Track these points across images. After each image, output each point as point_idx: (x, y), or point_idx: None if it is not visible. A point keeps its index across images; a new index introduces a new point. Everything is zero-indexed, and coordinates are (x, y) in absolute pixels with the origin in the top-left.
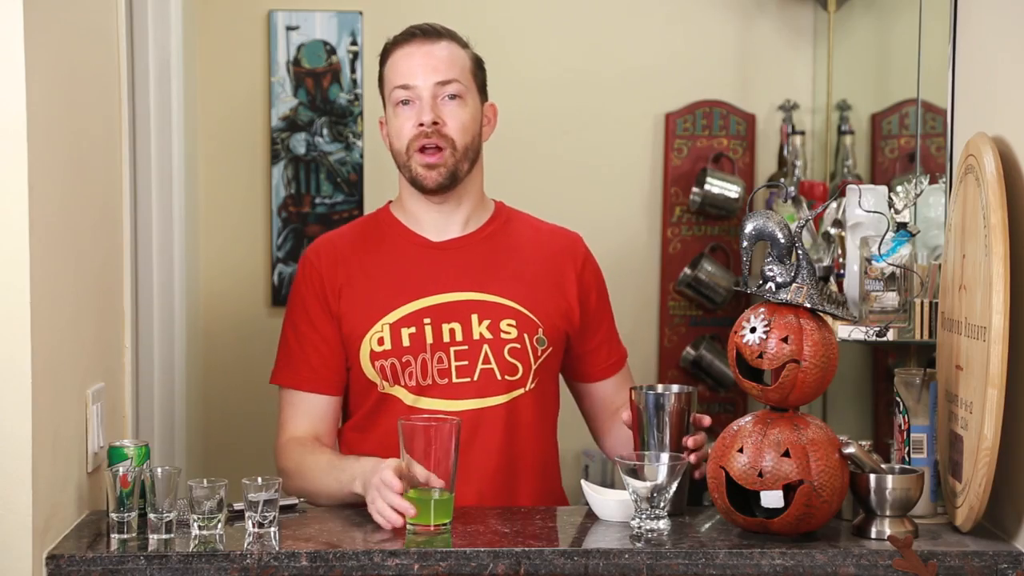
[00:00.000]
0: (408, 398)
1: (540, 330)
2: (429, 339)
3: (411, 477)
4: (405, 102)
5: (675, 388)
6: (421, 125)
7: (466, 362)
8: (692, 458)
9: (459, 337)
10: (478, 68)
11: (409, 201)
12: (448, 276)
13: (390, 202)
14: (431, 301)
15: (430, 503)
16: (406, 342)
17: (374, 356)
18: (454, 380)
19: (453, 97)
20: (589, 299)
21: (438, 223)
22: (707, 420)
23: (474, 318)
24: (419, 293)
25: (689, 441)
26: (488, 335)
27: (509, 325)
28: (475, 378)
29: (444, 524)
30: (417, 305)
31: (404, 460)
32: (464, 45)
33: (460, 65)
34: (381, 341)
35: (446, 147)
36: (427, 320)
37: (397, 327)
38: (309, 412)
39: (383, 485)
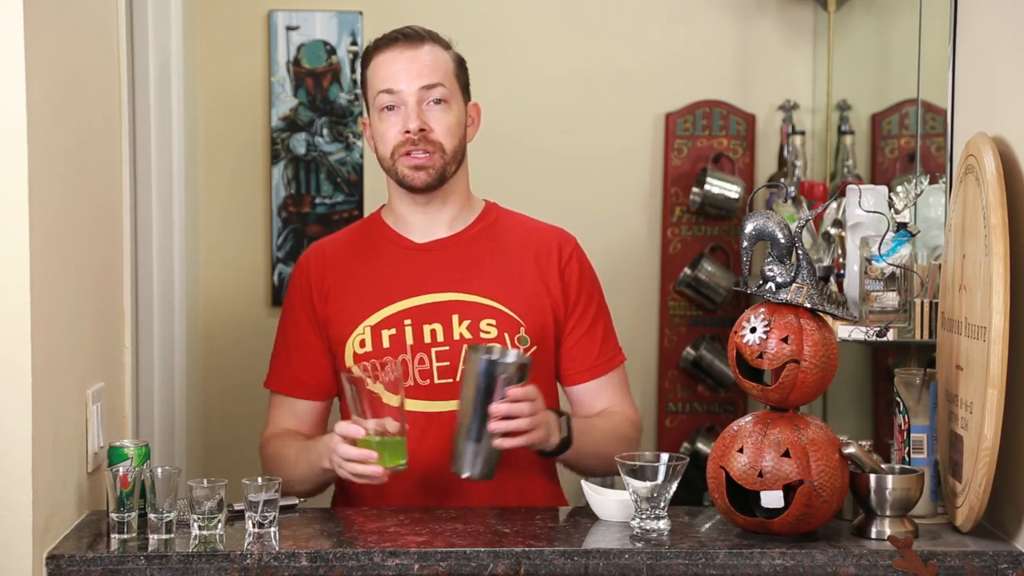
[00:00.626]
0: (391, 400)
1: (522, 329)
2: (409, 340)
3: (367, 426)
4: (390, 107)
5: (511, 357)
6: (407, 132)
7: (447, 363)
8: (492, 425)
9: (440, 338)
10: (461, 69)
11: (397, 204)
12: (430, 277)
13: (383, 206)
14: (413, 303)
15: (381, 445)
16: (386, 344)
17: (357, 358)
18: (436, 381)
19: (438, 102)
20: (568, 296)
21: (423, 224)
22: (517, 392)
23: (455, 318)
24: (401, 295)
25: (492, 406)
26: (468, 335)
27: (489, 325)
28: (457, 378)
29: (399, 465)
30: (399, 307)
31: (352, 417)
32: (447, 47)
33: (444, 68)
34: (363, 343)
35: (435, 151)
36: (408, 321)
37: (378, 329)
38: (292, 414)
39: (339, 442)
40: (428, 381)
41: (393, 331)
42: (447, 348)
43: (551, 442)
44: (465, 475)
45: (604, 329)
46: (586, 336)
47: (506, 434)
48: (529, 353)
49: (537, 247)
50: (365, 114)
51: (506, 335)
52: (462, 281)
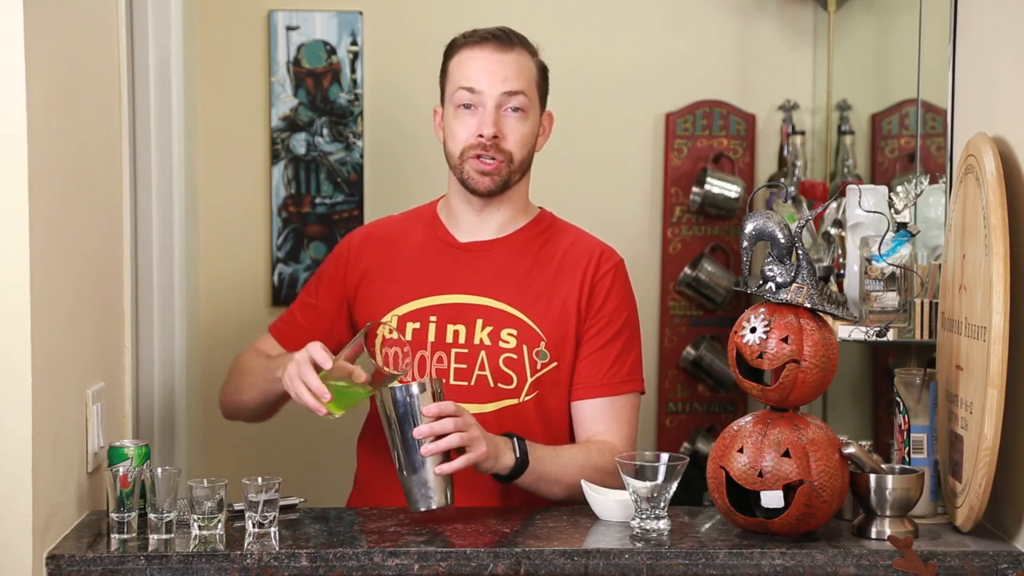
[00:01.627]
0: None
1: (542, 343)
2: (431, 337)
3: (339, 367)
4: (467, 106)
5: (418, 380)
6: (481, 136)
7: (465, 365)
8: (422, 450)
9: (461, 340)
10: (543, 78)
11: (453, 199)
12: (463, 278)
13: (442, 197)
14: (442, 300)
15: (339, 391)
16: (409, 336)
17: (385, 343)
18: (451, 382)
19: (516, 110)
20: (591, 308)
21: (473, 224)
22: (432, 409)
23: (478, 323)
24: (432, 291)
25: (414, 431)
26: (488, 342)
27: (509, 334)
28: (471, 383)
29: (337, 414)
30: (428, 302)
31: (341, 355)
32: (533, 53)
33: (528, 77)
34: (389, 331)
35: (503, 159)
36: (433, 318)
37: (404, 320)
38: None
39: (305, 362)
40: (444, 380)
41: (417, 325)
42: (466, 351)
43: (502, 463)
44: (423, 509)
45: (620, 352)
46: (598, 353)
47: (445, 460)
48: (548, 368)
49: (577, 259)
50: (439, 103)
51: (525, 347)
52: (493, 286)
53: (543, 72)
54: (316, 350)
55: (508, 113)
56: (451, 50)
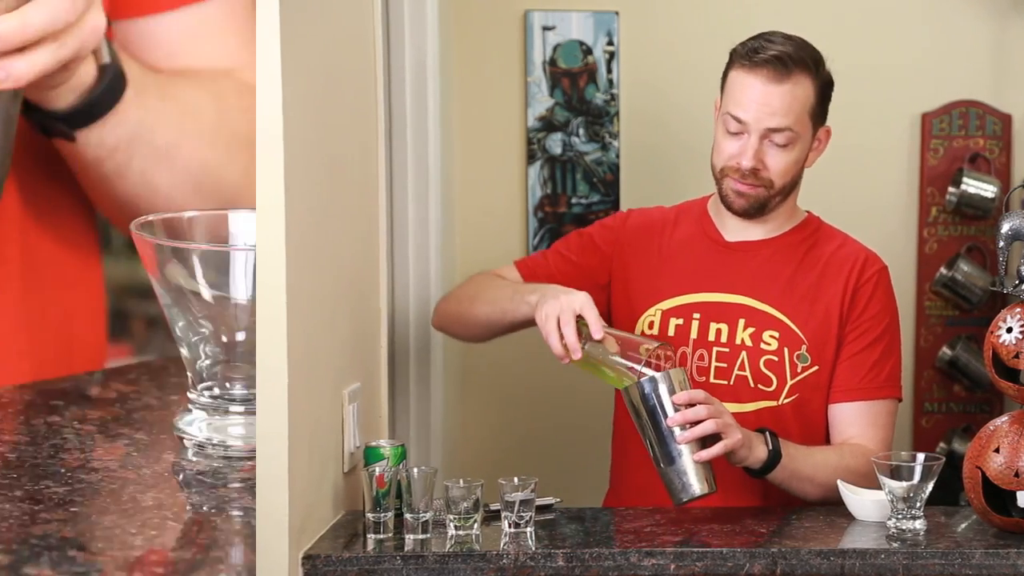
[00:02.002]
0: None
1: (804, 347)
2: (693, 334)
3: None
4: (733, 131)
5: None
6: (740, 164)
7: (725, 364)
8: (679, 438)
9: (723, 339)
10: (821, 100)
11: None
12: (728, 276)
13: (714, 193)
14: (705, 297)
15: (590, 359)
16: (671, 332)
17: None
18: (711, 380)
19: (781, 145)
20: (852, 314)
21: (740, 226)
22: (682, 397)
23: (741, 323)
24: (696, 287)
25: (668, 420)
26: (749, 343)
27: (771, 336)
28: (731, 382)
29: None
30: (691, 299)
31: (614, 331)
32: (816, 73)
33: (799, 109)
34: (651, 325)
35: (761, 185)
36: (696, 315)
37: (667, 315)
38: None
39: (571, 312)
40: (704, 379)
41: (681, 321)
42: (727, 350)
43: (755, 455)
44: (685, 499)
45: (879, 358)
46: (856, 357)
47: (702, 447)
48: (808, 372)
49: (841, 264)
50: (718, 98)
51: (786, 350)
52: (757, 287)
53: (824, 91)
54: (589, 309)
55: (771, 145)
56: (732, 60)
